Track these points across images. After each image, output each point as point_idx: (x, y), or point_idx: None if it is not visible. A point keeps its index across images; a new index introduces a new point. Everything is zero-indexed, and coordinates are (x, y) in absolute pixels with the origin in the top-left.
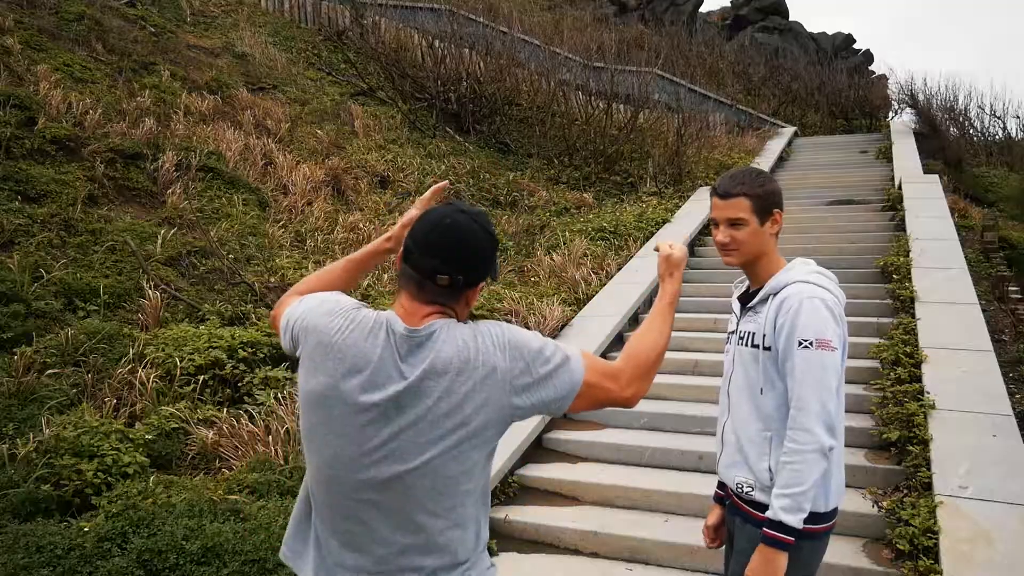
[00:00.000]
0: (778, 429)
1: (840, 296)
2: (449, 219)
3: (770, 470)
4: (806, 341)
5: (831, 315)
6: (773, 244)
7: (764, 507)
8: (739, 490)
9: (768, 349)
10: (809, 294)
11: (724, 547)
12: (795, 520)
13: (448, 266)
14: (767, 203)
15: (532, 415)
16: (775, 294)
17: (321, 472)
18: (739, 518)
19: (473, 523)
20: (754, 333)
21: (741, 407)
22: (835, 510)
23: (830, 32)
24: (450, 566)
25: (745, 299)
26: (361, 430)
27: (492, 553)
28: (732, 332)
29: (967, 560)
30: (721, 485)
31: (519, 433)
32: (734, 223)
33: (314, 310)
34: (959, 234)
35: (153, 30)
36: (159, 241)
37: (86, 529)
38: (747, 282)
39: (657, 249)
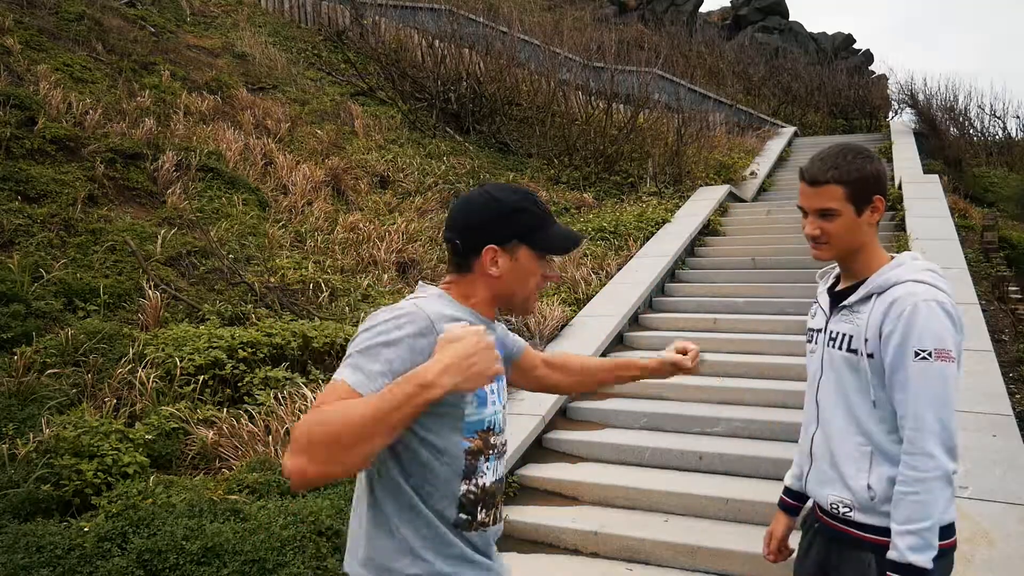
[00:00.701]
0: (879, 443)
1: (951, 292)
2: (463, 195)
3: (870, 487)
4: (923, 351)
5: (951, 321)
6: (873, 235)
7: (865, 527)
8: (834, 510)
9: (871, 356)
10: (925, 296)
11: (797, 567)
12: (925, 560)
13: (448, 232)
14: (865, 189)
15: None
16: (880, 293)
17: None
18: (837, 543)
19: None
20: (851, 336)
21: (835, 418)
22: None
23: (830, 32)
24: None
25: (838, 295)
26: None
27: None
28: (818, 331)
29: (967, 560)
30: (791, 494)
31: (519, 433)
32: (825, 214)
33: None
34: (959, 234)
35: (153, 30)
36: (159, 241)
37: (86, 529)
38: (836, 272)
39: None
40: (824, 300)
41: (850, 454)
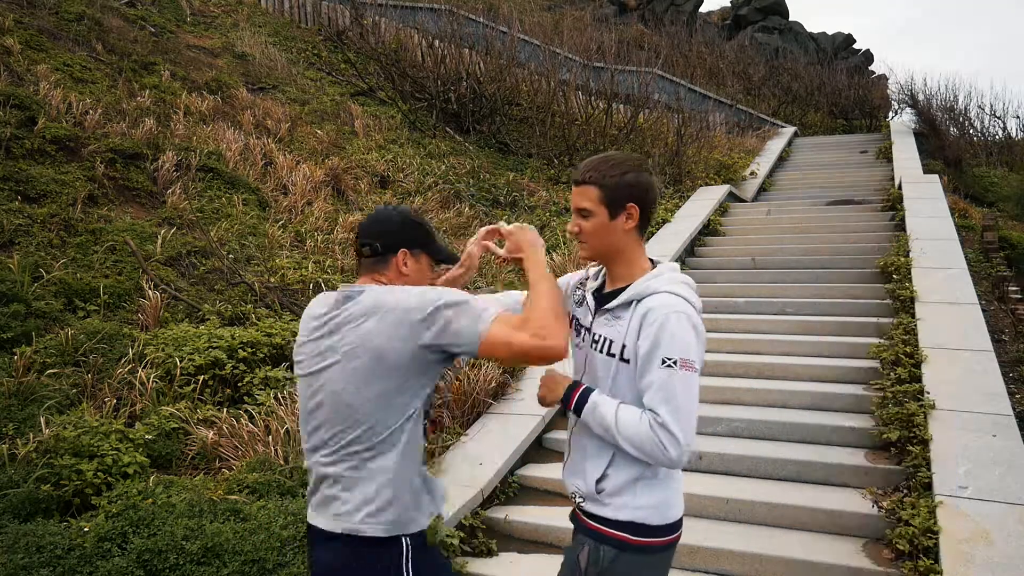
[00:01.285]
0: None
1: (699, 307)
2: (372, 211)
3: (599, 484)
4: (670, 360)
5: (695, 333)
6: (631, 241)
7: (596, 518)
8: (574, 498)
9: (626, 361)
10: (677, 308)
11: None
12: (582, 409)
13: (362, 237)
14: (618, 195)
15: (438, 352)
16: (639, 301)
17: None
18: (575, 528)
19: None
20: (612, 341)
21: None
22: (678, 523)
23: (830, 32)
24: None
25: (603, 297)
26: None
27: (492, 553)
28: (585, 328)
29: (967, 560)
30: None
31: (519, 433)
32: (581, 212)
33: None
34: (959, 234)
35: (153, 30)
36: (159, 241)
37: (86, 529)
38: (602, 275)
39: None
40: (591, 297)
41: (595, 451)
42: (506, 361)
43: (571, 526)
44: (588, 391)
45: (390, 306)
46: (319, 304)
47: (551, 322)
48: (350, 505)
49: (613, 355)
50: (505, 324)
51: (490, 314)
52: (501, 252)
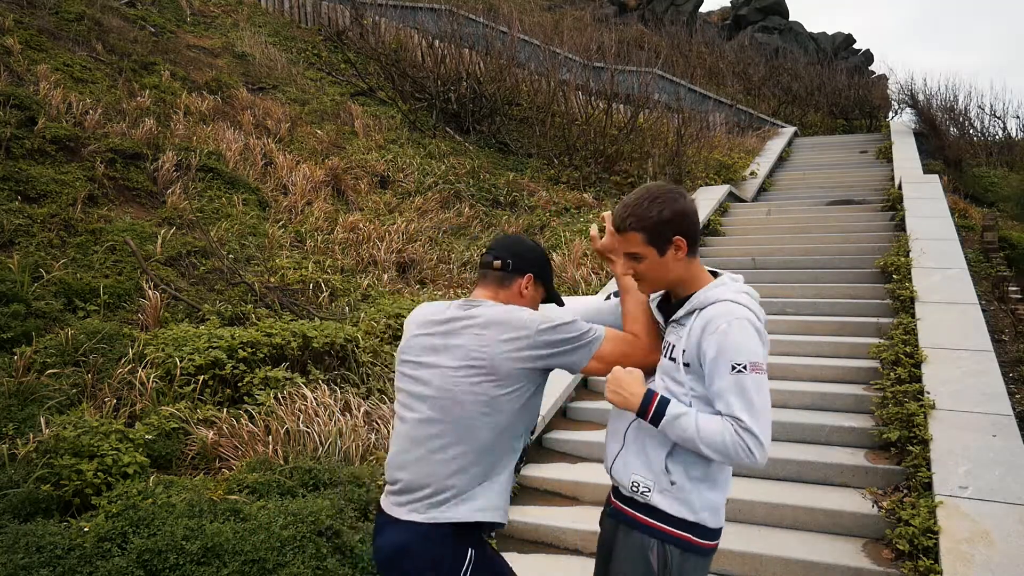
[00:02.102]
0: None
1: (762, 316)
2: (509, 233)
3: (667, 469)
4: (739, 365)
5: (759, 336)
6: (687, 266)
7: (659, 515)
8: (634, 489)
9: (687, 366)
10: (738, 315)
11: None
12: (660, 419)
13: (496, 252)
14: (662, 233)
15: (554, 368)
16: (702, 309)
17: None
18: (623, 526)
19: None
20: (673, 346)
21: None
22: (718, 533)
23: (830, 32)
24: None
25: (667, 310)
26: None
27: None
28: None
29: (967, 560)
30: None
31: None
32: (632, 256)
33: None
34: (959, 234)
35: (153, 30)
36: (159, 241)
37: (86, 529)
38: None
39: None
40: (657, 311)
41: (662, 443)
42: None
43: (571, 526)
44: (665, 402)
45: (511, 323)
46: (433, 310)
47: (647, 339)
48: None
49: (675, 359)
50: (619, 343)
51: (597, 335)
52: (602, 243)
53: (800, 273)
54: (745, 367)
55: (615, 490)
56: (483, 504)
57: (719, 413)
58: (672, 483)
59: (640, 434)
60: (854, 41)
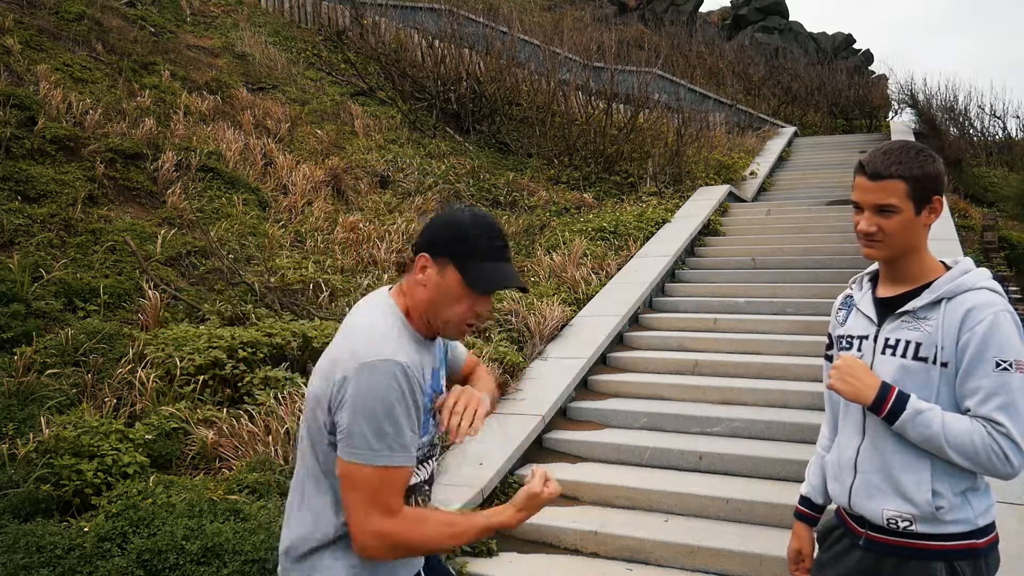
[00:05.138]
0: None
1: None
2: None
3: (935, 496)
4: (1005, 362)
5: (1021, 333)
6: (926, 237)
7: (929, 536)
8: (892, 525)
9: (944, 365)
10: (1002, 306)
11: None
12: (901, 413)
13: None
14: (927, 187)
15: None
16: (950, 299)
17: None
18: (892, 557)
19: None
20: (919, 344)
21: (890, 430)
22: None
23: (830, 32)
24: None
25: (888, 301)
26: None
27: (492, 553)
28: (862, 337)
29: None
30: (811, 505)
31: (519, 433)
32: (883, 209)
33: None
34: (959, 234)
35: (153, 30)
36: (159, 241)
37: (86, 529)
38: (871, 277)
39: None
40: (868, 306)
41: (910, 465)
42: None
43: (571, 526)
44: (905, 395)
45: (329, 351)
46: None
47: (402, 547)
48: None
49: (924, 359)
50: (388, 484)
51: (359, 456)
52: (551, 490)
53: (800, 273)
54: (1011, 365)
55: (860, 517)
56: None
57: (965, 413)
58: (939, 508)
59: (875, 457)
60: (854, 41)
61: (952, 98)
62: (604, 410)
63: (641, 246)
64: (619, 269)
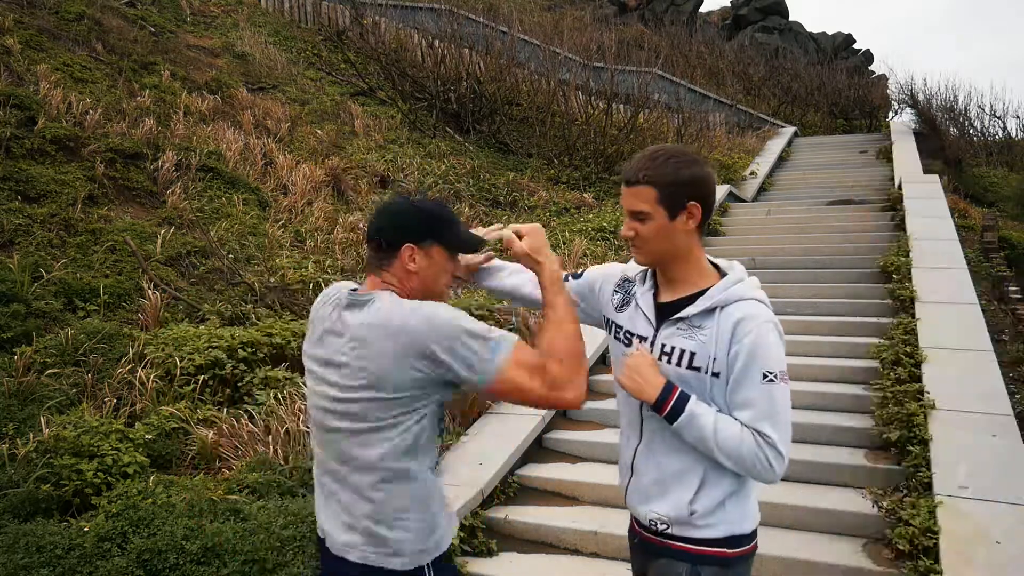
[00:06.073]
0: (713, 464)
1: None
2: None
3: (691, 507)
4: (770, 374)
5: (783, 343)
6: (692, 243)
7: (687, 540)
8: (652, 526)
9: (716, 376)
10: (767, 318)
11: None
12: (678, 416)
13: (369, 232)
14: (678, 193)
15: (443, 383)
16: (722, 308)
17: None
18: (651, 554)
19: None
20: (694, 353)
21: (663, 433)
22: (755, 533)
23: (830, 32)
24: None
25: (666, 307)
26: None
27: (492, 553)
28: (642, 338)
29: (967, 560)
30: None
31: (519, 433)
32: (637, 215)
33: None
34: (959, 234)
35: (153, 30)
36: (159, 241)
37: (86, 529)
38: (652, 278)
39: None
40: (648, 306)
41: (682, 473)
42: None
43: (571, 526)
44: (685, 397)
45: (396, 326)
46: (326, 304)
47: (571, 370)
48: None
49: (698, 368)
50: (521, 368)
51: (505, 351)
52: (521, 245)
53: (800, 273)
54: (776, 376)
55: (635, 517)
56: None
57: (737, 422)
58: (692, 514)
59: (650, 460)
60: (854, 41)
61: (952, 98)
62: (604, 410)
63: None
64: None
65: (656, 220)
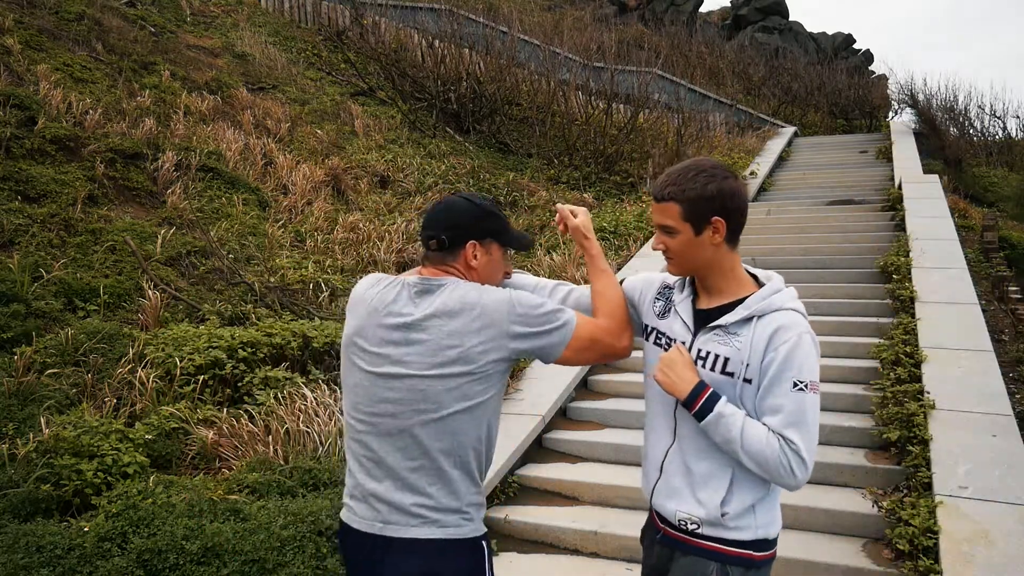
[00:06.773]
0: (741, 469)
1: None
2: (440, 200)
3: (723, 509)
4: (802, 383)
5: (818, 353)
6: (723, 254)
7: (717, 540)
8: (681, 525)
9: (748, 382)
10: (805, 328)
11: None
12: (706, 415)
13: (431, 230)
14: (702, 209)
15: (526, 356)
16: (761, 317)
17: (347, 401)
18: (678, 551)
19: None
20: (728, 359)
21: (695, 435)
22: (778, 538)
23: (830, 32)
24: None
25: (704, 314)
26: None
27: (492, 553)
28: (680, 342)
29: (967, 560)
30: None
31: (519, 433)
32: (665, 230)
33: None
34: (959, 234)
35: (153, 30)
36: (159, 241)
37: (86, 529)
38: (690, 286)
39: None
40: (686, 312)
41: (712, 475)
42: (572, 363)
43: (571, 526)
44: (716, 396)
45: (479, 308)
46: (386, 287)
47: (620, 322)
48: None
49: (731, 374)
50: (587, 326)
51: (571, 315)
52: (575, 222)
53: (800, 273)
54: (807, 385)
55: (660, 514)
56: None
57: (765, 427)
58: (724, 515)
59: (681, 462)
60: (854, 41)
61: (952, 98)
62: (604, 410)
63: (641, 246)
64: (619, 269)
65: (683, 235)
